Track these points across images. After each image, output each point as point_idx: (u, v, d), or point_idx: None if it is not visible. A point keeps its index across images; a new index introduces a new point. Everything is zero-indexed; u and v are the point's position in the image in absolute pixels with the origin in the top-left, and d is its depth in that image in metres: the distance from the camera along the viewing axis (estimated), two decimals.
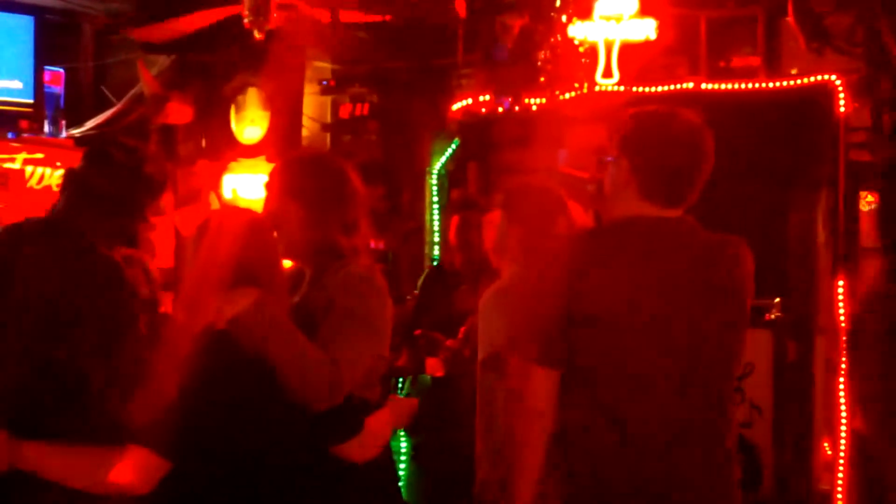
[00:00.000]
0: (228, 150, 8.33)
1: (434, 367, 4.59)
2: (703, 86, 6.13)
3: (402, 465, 4.79)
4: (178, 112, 8.38)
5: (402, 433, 4.79)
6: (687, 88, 6.14)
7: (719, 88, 6.06)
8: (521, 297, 3.27)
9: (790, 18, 6.13)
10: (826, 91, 5.73)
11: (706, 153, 2.68)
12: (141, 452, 2.48)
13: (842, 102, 5.69)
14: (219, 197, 7.86)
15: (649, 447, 2.61)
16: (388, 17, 7.64)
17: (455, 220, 4.94)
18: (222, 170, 8.03)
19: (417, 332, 4.67)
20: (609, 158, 2.73)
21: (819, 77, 5.83)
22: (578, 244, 2.70)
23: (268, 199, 3.05)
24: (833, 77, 5.78)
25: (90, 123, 8.74)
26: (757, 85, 6.02)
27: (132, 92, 8.59)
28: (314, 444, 2.68)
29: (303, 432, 2.64)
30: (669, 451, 2.62)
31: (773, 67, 6.41)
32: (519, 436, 2.66)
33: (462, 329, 4.31)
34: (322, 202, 2.97)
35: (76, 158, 3.05)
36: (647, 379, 2.60)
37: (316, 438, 2.68)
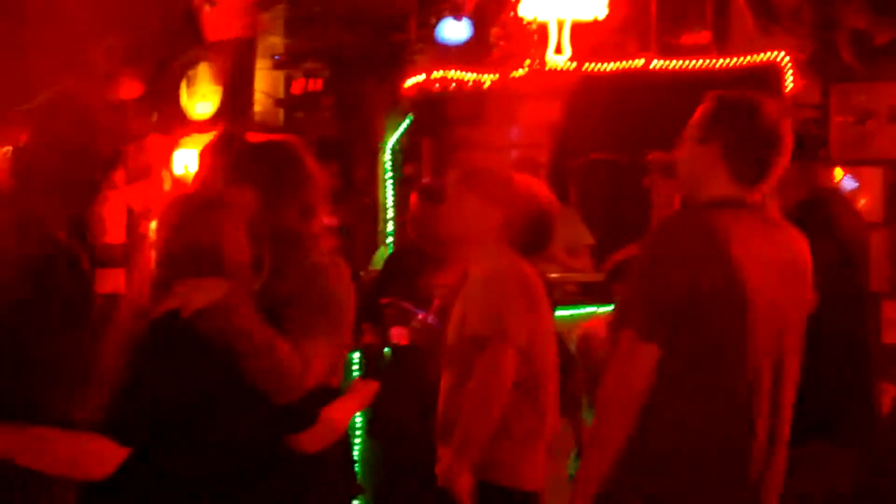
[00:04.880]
0: (179, 125, 8.26)
1: (399, 335, 4.58)
2: (653, 63, 6.20)
3: (356, 442, 4.82)
4: (129, 87, 8.30)
5: None
6: (637, 66, 6.21)
7: (669, 66, 6.13)
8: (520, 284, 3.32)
9: None
10: (774, 69, 5.82)
11: (789, 143, 2.77)
12: (98, 438, 2.49)
13: (790, 80, 5.79)
14: (170, 173, 7.80)
15: (751, 426, 2.66)
16: None
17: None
18: (173, 145, 7.97)
19: (385, 300, 4.64)
20: (694, 139, 2.77)
21: (767, 55, 5.92)
22: (687, 222, 2.72)
23: (206, 179, 3.03)
24: (781, 55, 5.86)
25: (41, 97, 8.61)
26: (706, 63, 6.10)
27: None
28: (268, 432, 2.70)
29: (260, 421, 2.66)
30: (768, 433, 2.69)
31: (722, 45, 6.46)
32: (614, 412, 2.63)
33: (436, 302, 4.29)
34: (278, 187, 2.96)
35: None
36: (757, 358, 2.66)
37: (270, 427, 2.70)
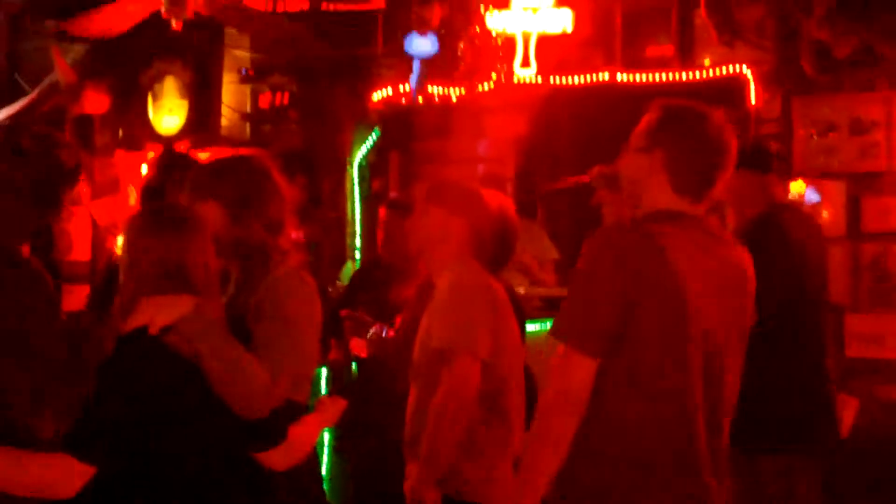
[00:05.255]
0: (146, 139, 8.24)
1: (358, 347, 4.58)
2: (619, 77, 6.25)
3: (324, 458, 4.81)
4: (95, 101, 8.27)
5: None
6: (603, 80, 6.26)
7: (634, 80, 6.18)
8: (483, 292, 3.36)
9: (702, 10, 6.26)
10: (738, 82, 5.89)
11: (733, 154, 2.71)
12: (64, 457, 2.48)
13: (753, 93, 5.86)
14: (137, 188, 7.77)
15: (692, 438, 2.62)
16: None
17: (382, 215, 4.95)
18: (140, 160, 7.95)
19: (344, 312, 4.65)
20: (637, 148, 2.71)
21: (731, 69, 5.99)
22: (628, 235, 2.65)
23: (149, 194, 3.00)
24: (745, 69, 5.93)
25: (3, 113, 8.57)
26: (670, 76, 6.16)
27: (47, 80, 8.45)
28: (236, 449, 2.69)
29: (228, 438, 2.65)
30: (708, 443, 2.65)
31: (686, 58, 6.54)
32: (556, 426, 2.58)
33: (398, 318, 4.31)
34: (244, 202, 2.96)
35: None
36: (696, 370, 2.62)
37: (238, 444, 2.69)
